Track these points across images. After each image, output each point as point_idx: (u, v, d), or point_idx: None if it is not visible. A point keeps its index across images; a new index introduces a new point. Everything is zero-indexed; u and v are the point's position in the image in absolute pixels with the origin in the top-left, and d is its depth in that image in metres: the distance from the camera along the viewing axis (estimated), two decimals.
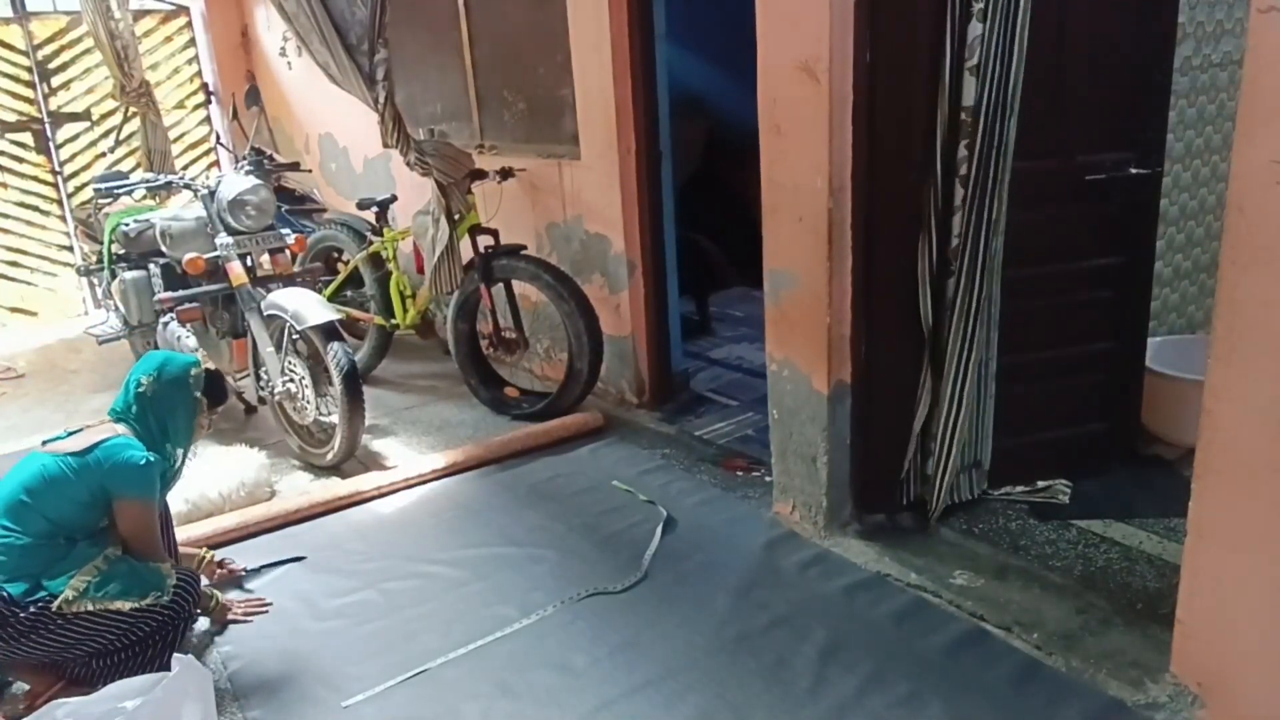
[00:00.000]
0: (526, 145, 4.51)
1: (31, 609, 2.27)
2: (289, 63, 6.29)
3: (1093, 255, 2.98)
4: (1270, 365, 1.83)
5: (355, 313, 4.75)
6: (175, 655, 2.03)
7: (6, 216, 6.30)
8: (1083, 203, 2.91)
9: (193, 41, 6.85)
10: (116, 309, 4.51)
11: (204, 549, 2.93)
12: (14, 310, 6.40)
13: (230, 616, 2.73)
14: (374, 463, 3.77)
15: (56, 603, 2.29)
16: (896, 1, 2.56)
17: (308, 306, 3.51)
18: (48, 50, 6.29)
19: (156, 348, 4.29)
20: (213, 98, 6.92)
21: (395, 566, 2.96)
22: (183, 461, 2.65)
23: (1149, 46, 2.87)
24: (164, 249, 3.97)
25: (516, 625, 2.60)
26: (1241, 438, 1.91)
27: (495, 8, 4.52)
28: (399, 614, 2.71)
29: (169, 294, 3.87)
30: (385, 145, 4.93)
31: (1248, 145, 1.81)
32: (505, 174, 4.27)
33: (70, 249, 6.47)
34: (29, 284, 6.44)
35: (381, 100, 4.04)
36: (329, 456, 3.64)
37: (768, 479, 3.27)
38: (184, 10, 6.76)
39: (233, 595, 2.85)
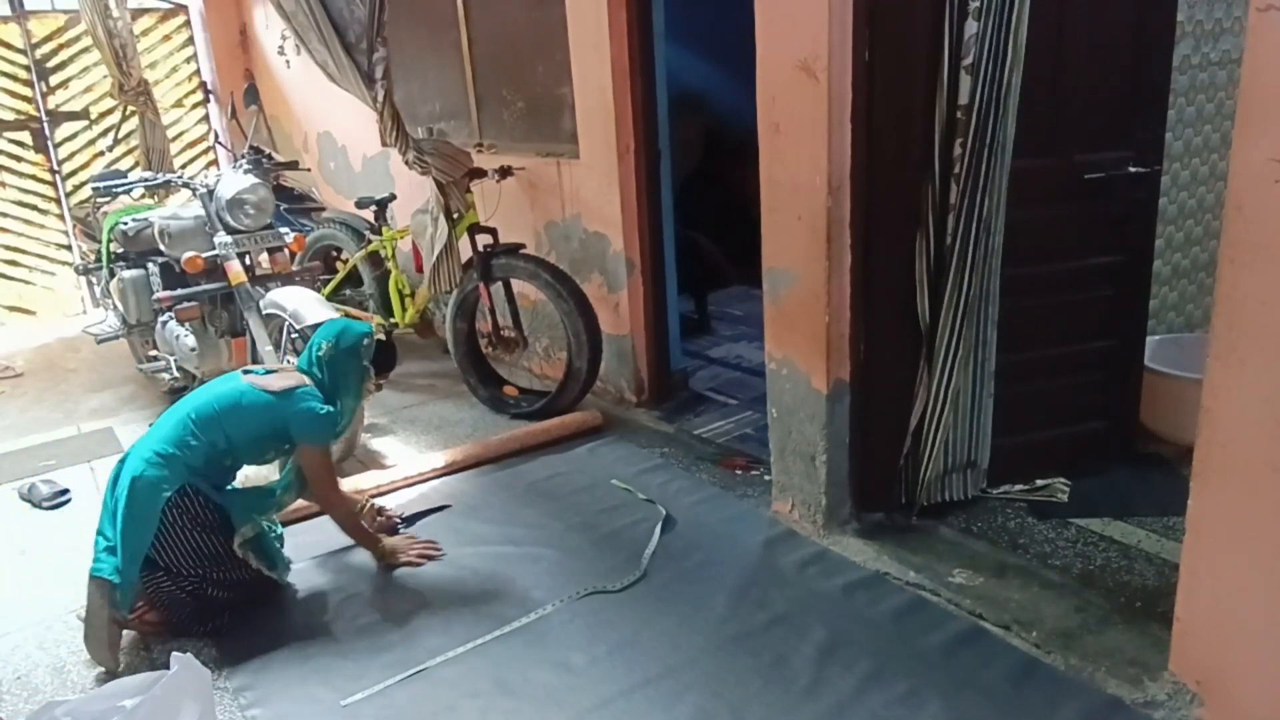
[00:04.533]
0: (525, 144, 4.51)
1: (218, 517, 2.65)
2: (287, 61, 6.29)
3: (1092, 254, 2.98)
4: (1269, 363, 1.83)
5: (354, 312, 4.74)
6: (174, 654, 2.03)
7: (5, 215, 6.31)
8: (1082, 201, 2.91)
9: (191, 40, 6.85)
10: (115, 308, 4.51)
11: (365, 497, 3.20)
12: (12, 309, 6.40)
13: (405, 559, 2.92)
14: (373, 461, 3.77)
15: (238, 539, 2.66)
16: (895, 0, 2.56)
17: (306, 305, 3.51)
18: (46, 49, 6.29)
19: (155, 347, 4.30)
20: (211, 96, 6.91)
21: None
22: (350, 417, 2.91)
23: (1148, 45, 2.87)
24: (162, 248, 3.96)
25: (515, 624, 2.60)
26: (1240, 436, 1.91)
27: (494, 6, 4.51)
28: (398, 612, 2.71)
29: (167, 293, 3.86)
30: (384, 144, 4.93)
31: (1246, 144, 1.81)
32: (504, 173, 4.27)
33: (68, 248, 6.47)
34: (27, 283, 6.45)
35: (380, 99, 4.04)
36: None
37: (766, 478, 3.27)
38: (182, 9, 6.76)
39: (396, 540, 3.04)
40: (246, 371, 2.85)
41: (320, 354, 2.84)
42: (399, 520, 3.20)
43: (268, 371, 2.87)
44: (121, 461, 2.67)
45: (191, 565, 2.61)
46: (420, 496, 3.42)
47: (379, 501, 3.25)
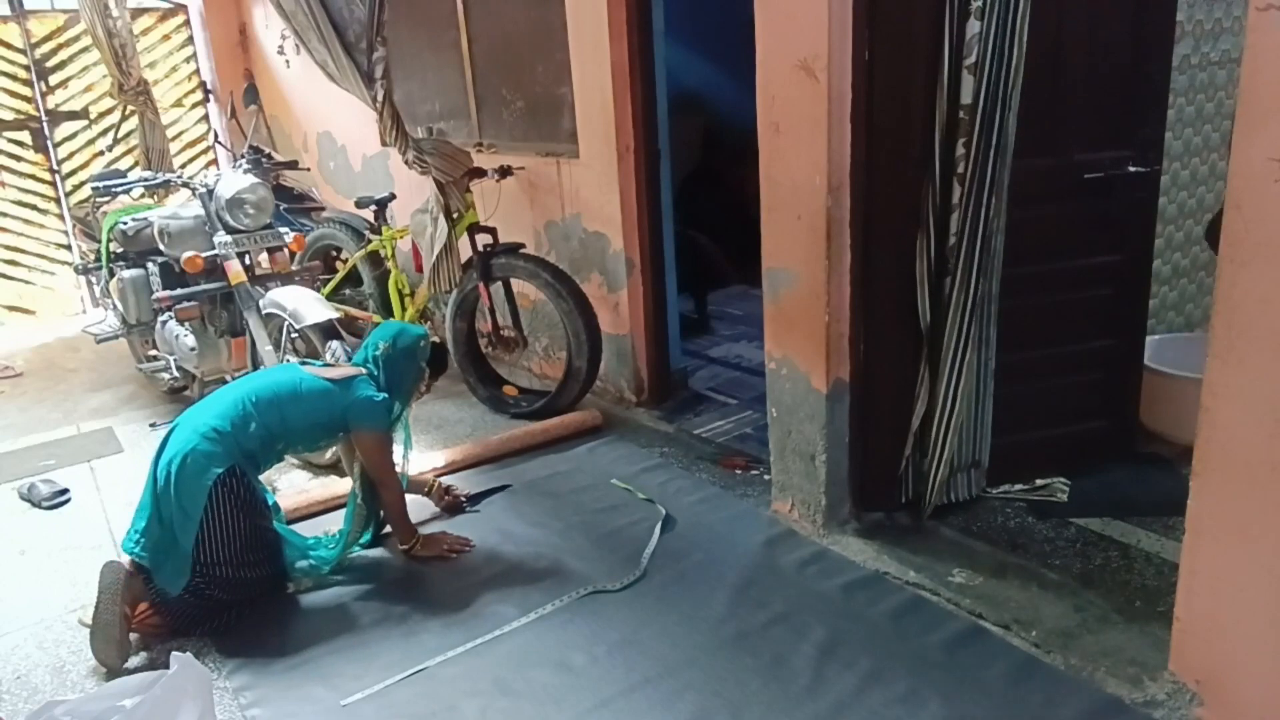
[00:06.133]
0: (525, 143, 4.51)
1: (258, 501, 2.73)
2: (287, 61, 6.29)
3: (1091, 253, 2.98)
4: (1268, 363, 1.84)
5: (354, 311, 4.75)
6: (174, 654, 2.03)
7: (4, 215, 6.30)
8: (1081, 200, 2.91)
9: (191, 40, 6.85)
10: (114, 307, 4.51)
11: (434, 477, 3.35)
12: (12, 309, 6.39)
13: (437, 553, 2.95)
14: None
15: (292, 586, 2.81)
16: (895, 0, 2.56)
17: (306, 305, 3.51)
18: (45, 48, 6.29)
19: (154, 346, 4.30)
20: (211, 96, 6.91)
21: (392, 564, 2.97)
22: (400, 413, 2.99)
23: (1147, 44, 2.87)
24: (162, 247, 3.96)
25: (515, 623, 2.60)
26: (1240, 435, 1.91)
27: (494, 6, 4.51)
28: (398, 612, 2.71)
29: (167, 292, 3.86)
30: (384, 143, 4.94)
31: (1246, 143, 1.81)
32: (504, 172, 4.27)
33: (68, 247, 6.47)
34: (27, 283, 6.44)
35: (380, 98, 4.04)
36: (328, 455, 3.64)
37: (766, 477, 3.27)
38: (182, 8, 6.76)
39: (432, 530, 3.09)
40: (304, 363, 2.98)
41: (377, 353, 2.92)
42: (464, 499, 3.30)
43: (324, 365, 3.00)
44: (167, 436, 2.72)
45: (219, 550, 2.61)
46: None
47: (445, 481, 3.38)
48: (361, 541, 3.03)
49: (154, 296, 3.99)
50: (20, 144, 6.30)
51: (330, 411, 2.80)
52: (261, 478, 3.00)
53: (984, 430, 2.98)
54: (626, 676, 2.36)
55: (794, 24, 2.61)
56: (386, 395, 2.87)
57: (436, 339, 3.09)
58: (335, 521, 3.24)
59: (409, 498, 3.21)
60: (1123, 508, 2.97)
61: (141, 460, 3.87)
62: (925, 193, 2.67)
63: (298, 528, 3.17)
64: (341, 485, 3.44)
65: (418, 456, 3.69)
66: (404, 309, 4.56)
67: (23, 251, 6.40)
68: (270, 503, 2.90)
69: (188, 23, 6.81)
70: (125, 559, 2.64)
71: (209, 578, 2.62)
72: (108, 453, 4.02)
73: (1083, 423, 3.15)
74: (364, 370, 2.91)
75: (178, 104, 6.85)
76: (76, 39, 6.28)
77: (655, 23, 3.80)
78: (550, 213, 4.38)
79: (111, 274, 4.36)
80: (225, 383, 3.89)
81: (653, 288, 4.09)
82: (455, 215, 4.10)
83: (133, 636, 2.59)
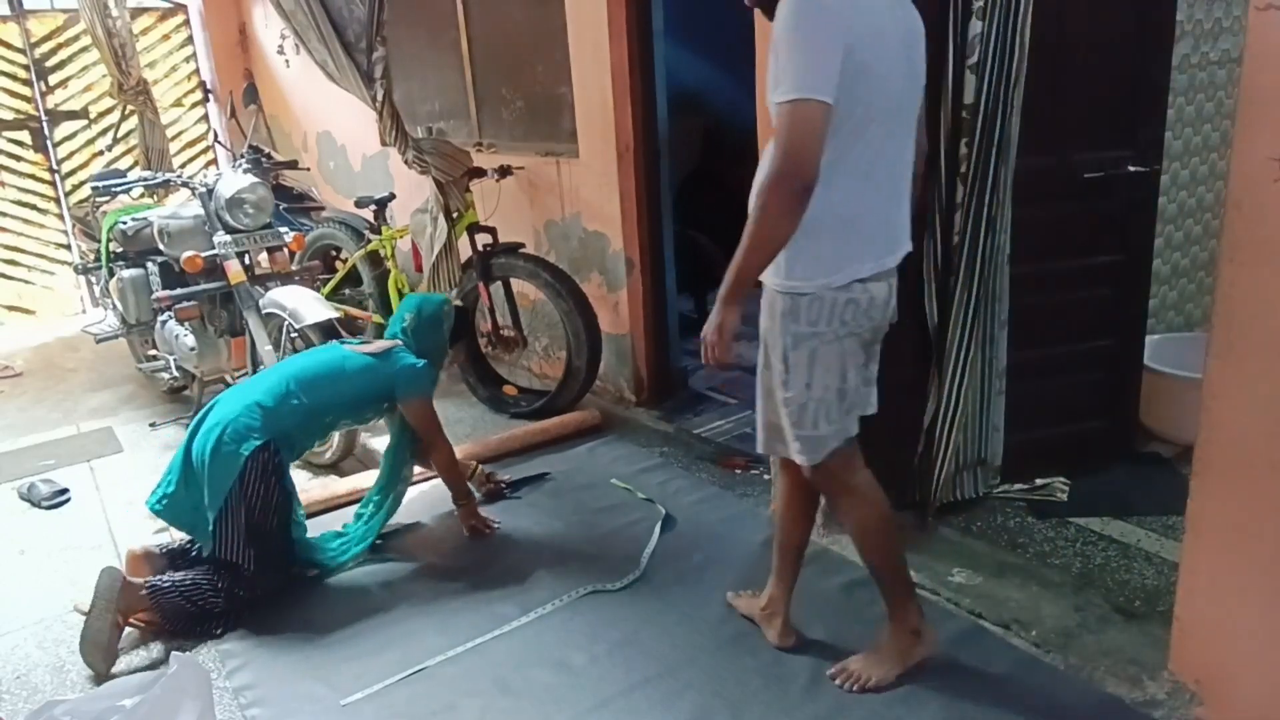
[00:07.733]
0: (525, 143, 4.51)
1: (284, 492, 2.77)
2: (287, 60, 6.29)
3: (1091, 253, 2.98)
4: (1268, 362, 1.83)
5: (353, 311, 4.75)
6: (174, 654, 2.03)
7: (4, 215, 6.30)
8: (1081, 200, 2.91)
9: (190, 39, 6.85)
10: (114, 307, 4.51)
11: (475, 463, 3.42)
12: (11, 309, 6.39)
13: (473, 523, 3.10)
14: (372, 461, 3.76)
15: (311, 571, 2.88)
16: None
17: (306, 304, 3.51)
18: (45, 48, 6.29)
19: (154, 346, 4.29)
20: (210, 96, 6.91)
21: (392, 564, 2.97)
22: (435, 378, 3.09)
23: (1147, 44, 2.87)
24: (162, 247, 3.96)
25: (515, 623, 2.60)
26: (1240, 435, 1.91)
27: (494, 6, 4.51)
28: (397, 611, 2.71)
29: (167, 292, 3.86)
30: (383, 143, 4.93)
31: (1246, 143, 1.81)
32: (503, 172, 4.27)
33: (68, 247, 6.46)
34: (27, 282, 6.44)
35: (380, 98, 4.04)
36: (327, 455, 3.65)
37: (766, 477, 3.27)
38: (182, 8, 6.76)
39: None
40: (344, 342, 3.12)
41: (405, 325, 3.06)
42: (505, 485, 3.40)
43: (361, 341, 3.14)
44: (208, 409, 2.82)
45: (235, 533, 2.65)
46: (420, 494, 3.42)
47: (486, 468, 3.45)
48: (368, 540, 3.02)
49: (154, 296, 3.99)
50: (20, 144, 6.29)
51: (377, 384, 2.92)
52: None
53: (992, 428, 2.97)
54: (626, 676, 2.36)
55: None
56: (426, 361, 2.99)
57: (459, 303, 3.18)
58: (335, 521, 3.25)
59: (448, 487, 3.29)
60: (1123, 507, 2.97)
61: (141, 460, 3.89)
62: (930, 193, 2.66)
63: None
64: (340, 485, 3.44)
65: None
66: None
67: (23, 251, 6.40)
68: (295, 496, 2.89)
69: (187, 22, 6.81)
70: (122, 568, 2.63)
71: (215, 570, 2.62)
72: (107, 452, 4.02)
73: (1083, 422, 3.15)
74: (399, 341, 3.02)
75: (177, 104, 6.85)
76: (76, 39, 6.28)
77: (655, 23, 3.80)
78: (550, 212, 4.38)
79: (111, 274, 4.35)
80: (226, 383, 3.91)
81: (652, 287, 4.09)
82: (455, 215, 4.10)
83: (128, 633, 2.59)
